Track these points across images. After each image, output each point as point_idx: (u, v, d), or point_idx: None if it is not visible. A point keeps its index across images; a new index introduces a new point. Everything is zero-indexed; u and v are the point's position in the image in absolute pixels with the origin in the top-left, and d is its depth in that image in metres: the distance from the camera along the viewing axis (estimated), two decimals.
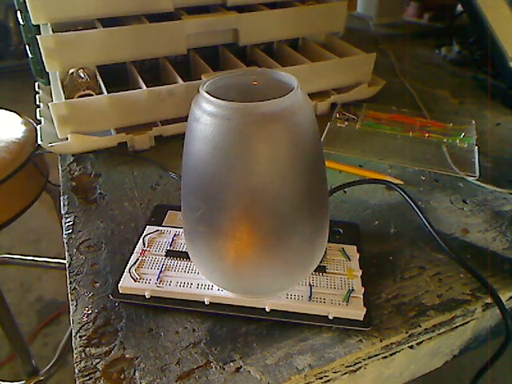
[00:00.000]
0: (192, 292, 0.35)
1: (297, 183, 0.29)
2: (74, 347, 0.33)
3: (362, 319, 0.34)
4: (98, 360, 0.32)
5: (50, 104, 0.51)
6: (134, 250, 0.39)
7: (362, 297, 0.34)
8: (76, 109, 0.52)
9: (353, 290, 0.35)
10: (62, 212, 0.47)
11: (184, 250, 0.39)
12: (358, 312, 0.34)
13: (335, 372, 0.33)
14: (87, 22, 0.59)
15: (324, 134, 0.60)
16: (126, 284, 0.36)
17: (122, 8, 0.58)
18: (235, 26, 0.63)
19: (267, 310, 0.34)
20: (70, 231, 0.44)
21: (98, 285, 0.38)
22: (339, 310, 0.34)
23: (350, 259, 0.38)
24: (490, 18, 0.69)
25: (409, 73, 0.81)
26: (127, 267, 0.37)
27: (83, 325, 0.35)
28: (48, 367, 1.08)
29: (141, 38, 0.57)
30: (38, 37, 0.52)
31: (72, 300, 0.37)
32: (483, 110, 0.68)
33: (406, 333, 0.34)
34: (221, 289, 0.35)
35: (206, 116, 0.27)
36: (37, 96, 0.64)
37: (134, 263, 0.38)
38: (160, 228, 0.41)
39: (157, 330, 0.34)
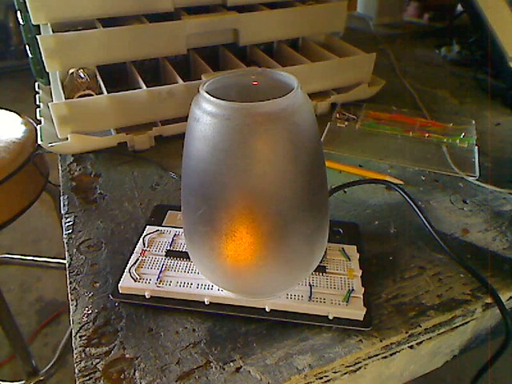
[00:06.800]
0: (192, 292, 0.35)
1: (297, 183, 0.29)
2: (73, 347, 0.33)
3: (362, 319, 0.34)
4: (98, 360, 0.32)
5: (49, 104, 0.51)
6: (134, 250, 0.39)
7: (361, 297, 0.34)
8: (76, 109, 0.52)
9: (353, 289, 0.35)
10: (62, 212, 0.47)
11: (184, 250, 0.39)
12: (357, 312, 0.34)
13: (335, 372, 0.33)
14: (87, 21, 0.59)
15: (324, 134, 0.60)
16: (126, 284, 0.36)
17: (122, 8, 0.58)
18: (235, 26, 0.63)
19: (267, 310, 0.34)
20: (70, 231, 0.44)
21: (98, 285, 0.38)
22: (339, 310, 0.34)
23: (349, 259, 0.38)
24: (490, 18, 0.69)
25: (409, 73, 0.81)
26: (127, 267, 0.37)
27: (83, 325, 0.35)
28: (48, 367, 1.08)
29: (141, 38, 0.57)
30: (38, 37, 0.52)
31: (72, 300, 0.37)
32: (483, 110, 0.68)
33: (406, 333, 0.34)
34: (221, 289, 0.35)
35: (206, 116, 0.27)
36: (37, 96, 0.64)
37: (134, 263, 0.38)
38: (160, 228, 0.41)
39: (157, 329, 0.34)
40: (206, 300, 0.35)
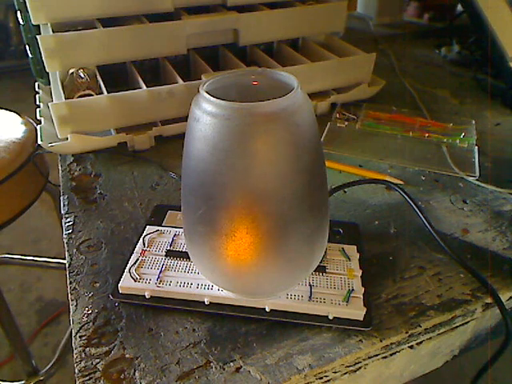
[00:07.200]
0: (192, 292, 0.35)
1: (297, 183, 0.29)
2: (73, 347, 0.33)
3: (361, 319, 0.34)
4: (98, 360, 0.32)
5: (49, 104, 0.51)
6: (134, 250, 0.39)
7: (361, 297, 0.34)
8: (76, 109, 0.52)
9: (353, 289, 0.35)
10: (62, 212, 0.47)
11: (184, 250, 0.39)
12: (357, 312, 0.34)
13: (335, 372, 0.33)
14: (87, 21, 0.59)
15: (324, 134, 0.60)
16: (126, 284, 0.36)
17: (122, 8, 0.58)
18: (235, 26, 0.63)
19: (267, 310, 0.34)
20: (70, 231, 0.44)
21: (97, 285, 0.38)
22: (339, 309, 0.34)
23: (349, 259, 0.38)
24: (490, 18, 0.69)
25: (409, 73, 0.81)
26: (127, 267, 0.37)
27: (83, 325, 0.35)
28: (48, 367, 1.08)
29: (141, 38, 0.57)
30: (38, 37, 0.52)
31: (72, 300, 0.37)
32: (483, 110, 0.68)
33: (406, 333, 0.34)
34: (221, 289, 0.35)
35: (206, 116, 0.27)
36: (37, 96, 0.64)
37: (134, 263, 0.38)
38: (160, 228, 0.41)
39: (157, 329, 0.34)
40: (206, 300, 0.35)
